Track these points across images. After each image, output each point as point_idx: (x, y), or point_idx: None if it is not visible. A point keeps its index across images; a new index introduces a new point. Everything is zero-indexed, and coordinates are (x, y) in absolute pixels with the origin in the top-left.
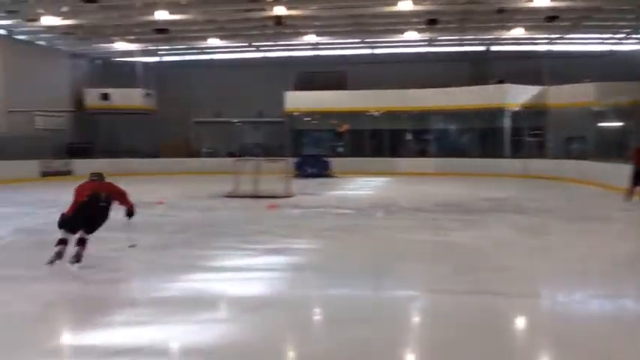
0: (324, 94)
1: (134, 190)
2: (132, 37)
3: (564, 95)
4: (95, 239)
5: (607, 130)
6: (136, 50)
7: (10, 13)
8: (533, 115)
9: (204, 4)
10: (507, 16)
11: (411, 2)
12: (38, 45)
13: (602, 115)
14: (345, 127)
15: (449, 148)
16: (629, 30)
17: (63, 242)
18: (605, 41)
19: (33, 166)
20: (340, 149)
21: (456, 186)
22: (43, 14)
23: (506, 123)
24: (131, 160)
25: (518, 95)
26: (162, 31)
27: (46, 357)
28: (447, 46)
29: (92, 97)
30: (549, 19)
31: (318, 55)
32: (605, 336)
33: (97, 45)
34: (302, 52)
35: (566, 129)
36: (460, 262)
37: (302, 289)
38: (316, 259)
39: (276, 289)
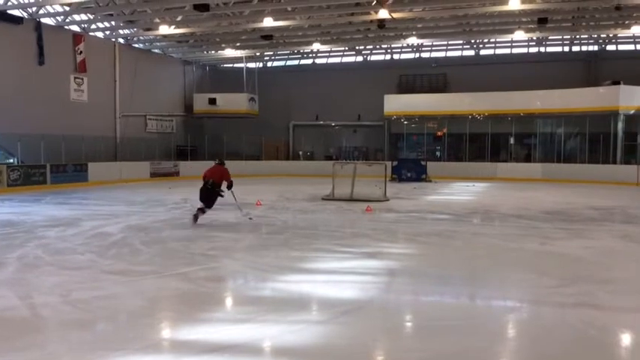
0: (424, 97)
1: (236, 191)
2: (239, 44)
3: None
4: (200, 238)
5: None
6: (242, 56)
7: (129, 23)
8: None
9: (309, 9)
10: (625, 13)
11: (519, 1)
12: (153, 53)
13: None
14: (440, 132)
15: (556, 153)
16: None
17: (200, 210)
18: None
19: (144, 167)
20: (438, 153)
21: (562, 193)
22: (159, 24)
23: (620, 127)
24: (234, 162)
25: (634, 97)
26: (267, 37)
27: (147, 351)
28: (558, 45)
29: (200, 102)
30: None
31: (420, 58)
32: None
33: (207, 52)
34: (404, 54)
35: None
36: (564, 273)
37: (396, 295)
38: (411, 265)
39: (369, 293)
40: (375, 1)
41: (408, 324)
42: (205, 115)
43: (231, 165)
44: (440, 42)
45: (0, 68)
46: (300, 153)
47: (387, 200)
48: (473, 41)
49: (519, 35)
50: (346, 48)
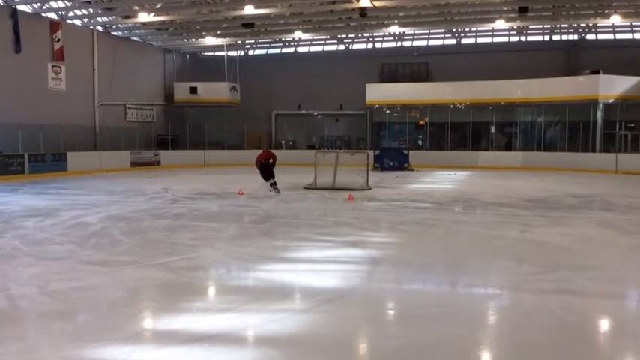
0: (406, 86)
1: (218, 181)
2: (220, 32)
3: None
4: (181, 228)
5: None
6: (223, 45)
7: (107, 11)
8: (629, 107)
9: None
10: (604, 2)
11: None
12: (133, 41)
13: None
14: (422, 121)
15: (536, 142)
16: None
17: (271, 185)
18: None
19: (124, 156)
20: (420, 142)
21: (542, 181)
22: (138, 11)
23: (599, 115)
24: (216, 151)
25: (613, 86)
26: (248, 25)
27: (127, 341)
28: (538, 35)
29: (181, 91)
30: None
31: (402, 47)
32: None
33: (187, 40)
34: (385, 43)
35: None
36: (543, 260)
37: (377, 283)
38: (393, 253)
39: (351, 281)
40: None
41: (390, 312)
42: (186, 104)
43: (212, 154)
44: (422, 31)
45: None
46: (283, 142)
47: (369, 189)
48: (454, 30)
49: (500, 24)
50: (328, 37)
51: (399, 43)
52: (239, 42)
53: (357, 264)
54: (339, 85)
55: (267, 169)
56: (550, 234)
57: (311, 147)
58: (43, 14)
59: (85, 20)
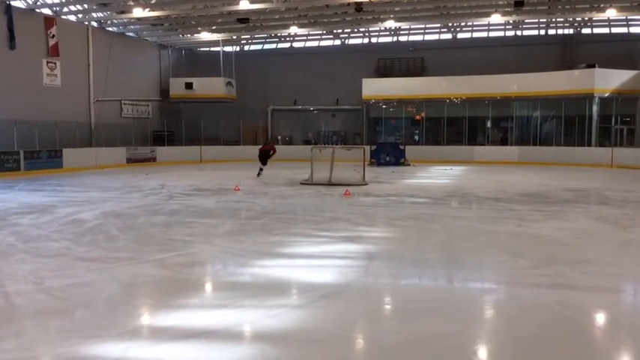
0: (402, 81)
1: (214, 177)
2: (215, 28)
3: None
4: (177, 224)
5: None
6: (218, 40)
7: (102, 6)
8: (625, 101)
9: None
10: None
11: None
12: (128, 36)
13: None
14: (418, 116)
15: (532, 136)
16: None
17: (260, 169)
18: None
19: (120, 153)
20: (416, 137)
21: (538, 176)
22: (132, 6)
23: (595, 110)
24: (212, 147)
25: (608, 80)
26: (244, 20)
27: (124, 338)
28: (534, 29)
29: (176, 87)
30: None
31: (398, 41)
32: None
33: (183, 36)
34: (381, 38)
35: None
36: (539, 255)
37: (374, 278)
38: (389, 248)
39: (348, 277)
40: None
41: (386, 307)
42: (182, 99)
43: (209, 150)
44: (417, 25)
45: None
46: (279, 137)
47: (366, 184)
48: (450, 25)
49: (496, 18)
50: (324, 32)
51: (395, 38)
52: (234, 37)
53: (353, 259)
54: (335, 80)
55: (264, 156)
56: (546, 228)
57: (307, 142)
58: (38, 10)
59: (80, 16)
